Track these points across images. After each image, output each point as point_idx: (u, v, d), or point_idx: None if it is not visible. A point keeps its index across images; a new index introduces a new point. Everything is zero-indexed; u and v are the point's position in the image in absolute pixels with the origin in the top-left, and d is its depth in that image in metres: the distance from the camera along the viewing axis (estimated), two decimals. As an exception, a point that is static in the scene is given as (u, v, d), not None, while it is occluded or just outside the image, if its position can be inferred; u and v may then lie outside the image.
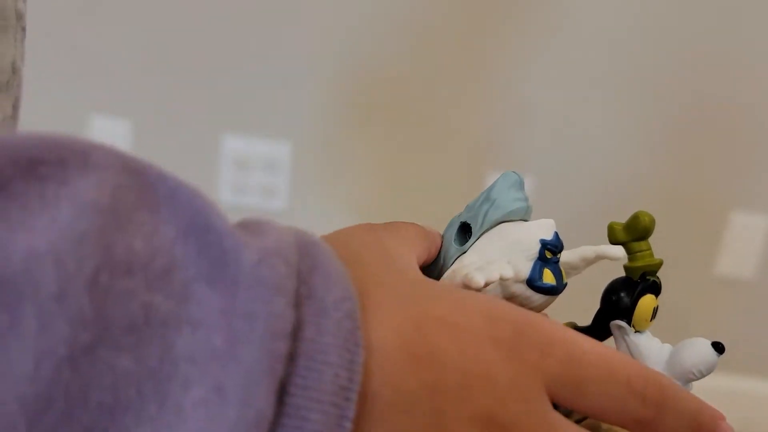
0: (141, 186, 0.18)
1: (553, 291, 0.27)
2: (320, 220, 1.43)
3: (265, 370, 0.17)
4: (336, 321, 0.19)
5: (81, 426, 0.16)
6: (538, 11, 1.34)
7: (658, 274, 0.28)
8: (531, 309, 0.28)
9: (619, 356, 0.24)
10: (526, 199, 0.28)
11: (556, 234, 0.27)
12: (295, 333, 0.18)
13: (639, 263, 0.27)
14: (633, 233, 0.27)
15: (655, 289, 0.27)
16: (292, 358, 0.18)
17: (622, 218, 0.26)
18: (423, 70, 1.37)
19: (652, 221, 0.27)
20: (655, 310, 0.27)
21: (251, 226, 0.21)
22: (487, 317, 0.22)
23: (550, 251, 0.26)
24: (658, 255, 0.28)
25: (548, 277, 0.26)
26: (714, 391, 1.47)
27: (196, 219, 0.18)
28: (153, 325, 0.17)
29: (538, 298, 0.27)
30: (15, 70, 0.32)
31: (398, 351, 0.20)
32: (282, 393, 0.18)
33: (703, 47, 1.34)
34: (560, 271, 0.27)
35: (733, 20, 1.32)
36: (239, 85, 1.37)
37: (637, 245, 0.27)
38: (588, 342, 0.23)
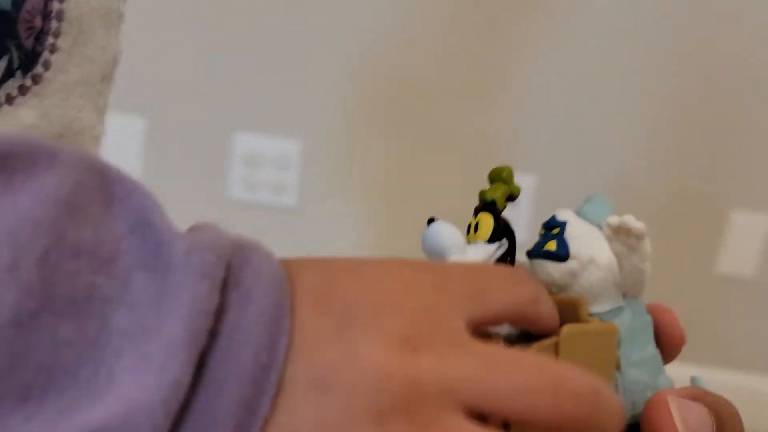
0: (100, 185, 0.21)
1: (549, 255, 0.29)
2: (330, 217, 1.44)
3: (185, 343, 0.19)
4: (260, 307, 0.21)
5: (22, 382, 0.18)
6: (544, 12, 1.35)
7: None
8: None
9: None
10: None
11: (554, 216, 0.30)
12: (219, 315, 0.20)
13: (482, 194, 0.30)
14: (490, 179, 0.30)
15: (488, 208, 0.29)
16: (214, 335, 0.20)
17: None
18: (432, 69, 1.38)
19: (504, 172, 0.30)
20: (479, 226, 0.29)
21: (198, 227, 0.23)
22: (406, 263, 0.24)
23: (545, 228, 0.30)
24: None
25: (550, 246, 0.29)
26: (715, 387, 1.48)
27: (143, 217, 0.21)
28: (94, 302, 0.19)
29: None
30: (115, 63, 0.37)
31: (313, 312, 0.22)
32: (203, 366, 0.20)
33: (706, 48, 1.35)
34: (564, 241, 0.29)
35: (738, 23, 1.33)
36: (251, 83, 1.39)
37: (491, 186, 0.30)
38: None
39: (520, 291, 0.25)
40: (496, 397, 0.21)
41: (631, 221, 0.27)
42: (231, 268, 0.21)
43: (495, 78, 1.38)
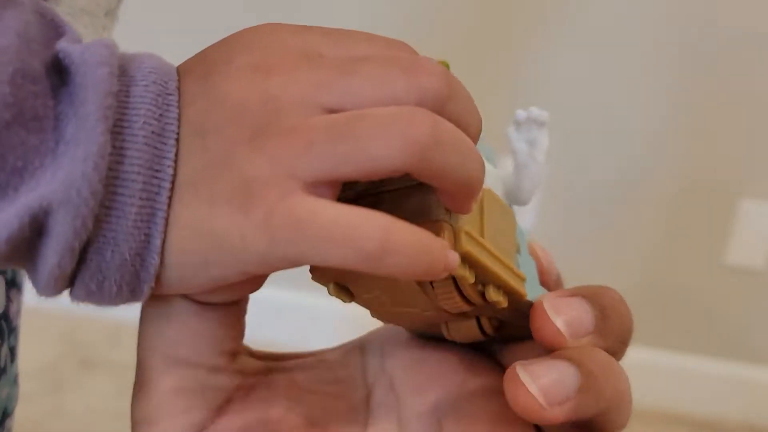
0: (43, 23, 0.24)
1: None
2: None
3: (100, 118, 0.22)
4: (144, 86, 0.24)
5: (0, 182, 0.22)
6: (552, 1, 1.35)
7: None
8: None
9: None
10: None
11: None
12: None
13: None
14: None
15: None
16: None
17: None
18: (445, 55, 1.38)
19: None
20: None
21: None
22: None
23: None
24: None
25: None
26: (723, 379, 1.48)
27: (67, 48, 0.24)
28: (50, 119, 0.23)
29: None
30: (120, 0, 0.39)
31: (185, 80, 0.25)
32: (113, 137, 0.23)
33: (716, 36, 1.34)
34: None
35: (748, 11, 1.33)
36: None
37: None
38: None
39: (387, 48, 0.25)
40: (352, 93, 0.23)
41: (536, 110, 0.30)
42: (120, 64, 0.24)
43: (501, 67, 1.38)
